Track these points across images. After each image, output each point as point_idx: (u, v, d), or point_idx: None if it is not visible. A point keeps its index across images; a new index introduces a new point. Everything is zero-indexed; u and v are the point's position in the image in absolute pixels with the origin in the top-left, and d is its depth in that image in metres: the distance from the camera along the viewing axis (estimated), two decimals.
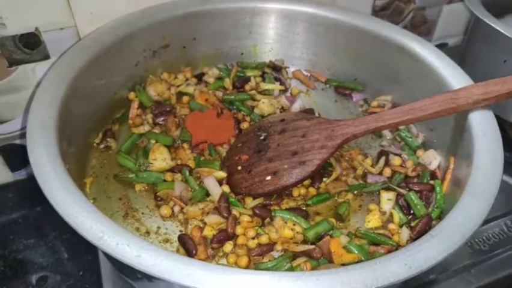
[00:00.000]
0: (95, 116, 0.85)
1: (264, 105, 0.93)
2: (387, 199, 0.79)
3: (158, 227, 0.74)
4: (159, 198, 0.77)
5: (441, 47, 1.36)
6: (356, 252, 0.68)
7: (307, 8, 0.97)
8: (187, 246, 0.69)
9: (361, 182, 0.83)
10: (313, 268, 0.67)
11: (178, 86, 0.96)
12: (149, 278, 0.60)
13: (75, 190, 0.59)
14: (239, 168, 0.80)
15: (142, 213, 0.76)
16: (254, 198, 0.78)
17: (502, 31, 0.91)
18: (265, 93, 0.98)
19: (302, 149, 0.77)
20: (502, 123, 0.76)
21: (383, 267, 0.53)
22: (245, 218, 0.74)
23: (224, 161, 0.83)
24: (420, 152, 0.87)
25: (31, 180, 0.97)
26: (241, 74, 1.00)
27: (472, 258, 0.84)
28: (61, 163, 0.62)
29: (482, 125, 0.73)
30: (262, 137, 0.82)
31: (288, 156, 0.78)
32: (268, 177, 0.77)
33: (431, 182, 0.80)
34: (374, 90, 0.99)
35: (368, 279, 0.51)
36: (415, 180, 0.82)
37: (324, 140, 0.76)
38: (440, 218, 0.74)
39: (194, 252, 0.69)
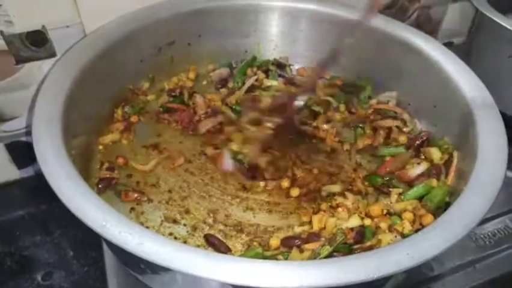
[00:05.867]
0: (100, 111, 0.86)
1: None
2: None
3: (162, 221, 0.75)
4: None
5: (447, 45, 1.35)
6: None
7: (309, 4, 0.97)
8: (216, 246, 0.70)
9: None
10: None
11: None
12: (152, 268, 0.61)
13: (80, 180, 0.59)
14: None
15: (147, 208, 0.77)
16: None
17: (506, 26, 0.91)
18: (268, 90, 0.98)
19: None
20: (508, 120, 0.76)
21: (385, 256, 0.53)
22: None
23: None
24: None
25: (37, 178, 1.00)
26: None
27: (476, 254, 0.83)
28: (66, 155, 0.63)
29: (487, 121, 0.73)
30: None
31: None
32: None
33: None
34: (378, 86, 0.98)
35: (370, 268, 0.51)
36: None
37: None
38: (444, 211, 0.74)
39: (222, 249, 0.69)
